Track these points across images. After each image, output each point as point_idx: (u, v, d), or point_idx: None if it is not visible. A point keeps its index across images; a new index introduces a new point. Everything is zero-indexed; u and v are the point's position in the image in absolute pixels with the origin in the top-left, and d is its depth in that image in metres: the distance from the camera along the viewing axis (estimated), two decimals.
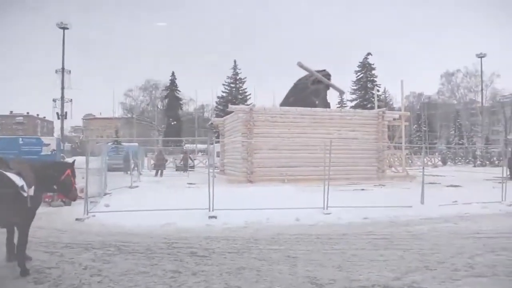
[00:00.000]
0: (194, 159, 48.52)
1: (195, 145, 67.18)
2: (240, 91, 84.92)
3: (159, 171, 35.35)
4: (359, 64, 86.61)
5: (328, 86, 32.41)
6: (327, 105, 32.23)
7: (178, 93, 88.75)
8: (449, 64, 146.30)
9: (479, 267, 9.42)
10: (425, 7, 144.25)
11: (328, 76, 32.06)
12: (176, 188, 23.75)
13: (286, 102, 32.31)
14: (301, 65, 31.74)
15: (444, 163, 61.11)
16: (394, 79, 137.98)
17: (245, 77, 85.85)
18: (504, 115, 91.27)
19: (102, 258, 10.07)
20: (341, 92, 37.34)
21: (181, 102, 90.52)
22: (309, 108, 29.26)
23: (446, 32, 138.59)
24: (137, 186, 25.22)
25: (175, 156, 50.33)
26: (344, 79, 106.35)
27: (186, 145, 65.33)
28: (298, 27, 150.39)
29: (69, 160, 13.38)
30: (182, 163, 41.12)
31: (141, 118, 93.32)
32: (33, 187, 8.70)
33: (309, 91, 31.34)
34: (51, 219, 14.79)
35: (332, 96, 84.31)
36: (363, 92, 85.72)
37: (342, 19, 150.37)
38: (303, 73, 32.73)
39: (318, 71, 32.06)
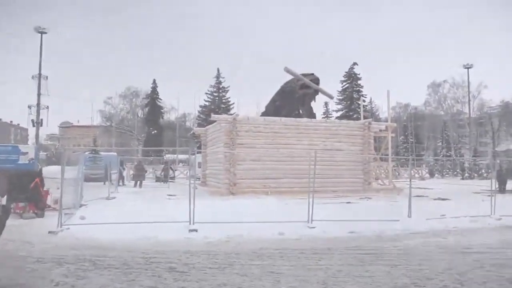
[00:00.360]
0: (175, 170, 48.04)
1: (176, 155, 66.70)
2: (223, 100, 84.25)
3: (139, 182, 34.99)
4: (345, 74, 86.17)
5: (316, 91, 31.95)
6: (312, 115, 31.96)
7: (159, 102, 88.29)
8: (435, 75, 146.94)
9: (468, 284, 9.31)
10: (411, 17, 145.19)
11: (316, 80, 31.63)
12: (156, 199, 23.51)
13: (271, 105, 32.38)
14: (288, 70, 31.31)
15: (432, 175, 61.05)
16: (380, 90, 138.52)
17: (228, 86, 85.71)
18: (492, 127, 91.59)
19: (75, 274, 9.82)
20: (330, 97, 36.96)
21: (162, 110, 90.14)
22: (293, 119, 28.99)
23: (432, 42, 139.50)
24: (114, 198, 24.96)
25: (155, 167, 49.85)
26: (329, 88, 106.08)
27: (167, 155, 64.77)
28: (283, 36, 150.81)
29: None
30: (162, 173, 40.78)
31: (120, 127, 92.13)
32: (5, 196, 8.46)
33: (296, 96, 30.97)
34: (22, 232, 14.42)
35: (317, 106, 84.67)
36: (348, 102, 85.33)
37: (328, 29, 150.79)
38: (289, 78, 32.39)
39: (306, 75, 31.61)
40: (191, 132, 62.59)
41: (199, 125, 71.50)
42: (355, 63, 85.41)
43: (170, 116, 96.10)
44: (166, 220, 14.93)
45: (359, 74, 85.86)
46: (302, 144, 27.42)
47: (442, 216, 17.83)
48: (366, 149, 28.77)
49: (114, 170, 35.88)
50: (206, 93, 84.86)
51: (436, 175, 62.17)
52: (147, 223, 14.67)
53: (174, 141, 78.86)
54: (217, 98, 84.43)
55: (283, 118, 28.51)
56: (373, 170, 30.28)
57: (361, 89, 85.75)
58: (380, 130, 31.32)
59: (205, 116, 75.32)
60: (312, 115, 31.85)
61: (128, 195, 26.82)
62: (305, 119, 29.45)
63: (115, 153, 47.01)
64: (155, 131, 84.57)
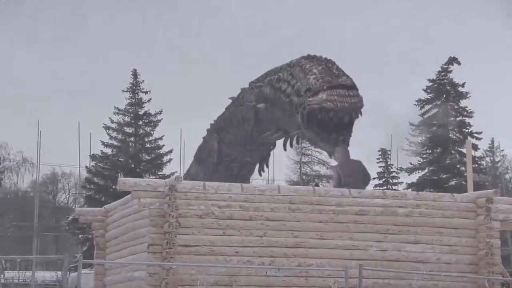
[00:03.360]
0: None
1: (31, 272, 50.16)
2: (148, 141, 51.17)
3: None
4: (431, 82, 51.91)
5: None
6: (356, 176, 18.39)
7: None
8: None
9: None
10: None
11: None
12: None
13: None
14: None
15: None
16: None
17: (160, 110, 50.94)
18: None
19: None
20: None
21: (0, 168, 66.68)
22: (308, 188, 18.06)
23: None
24: None
25: None
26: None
27: (7, 274, 49.58)
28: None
29: None
30: None
31: None
32: None
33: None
34: None
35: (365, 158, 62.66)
36: (438, 149, 51.48)
37: None
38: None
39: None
40: (69, 218, 41.29)
41: (89, 201, 45.91)
42: (454, 59, 51.55)
43: (18, 180, 78.45)
44: None
45: (462, 86, 51.70)
46: (327, 247, 16.76)
47: None
48: (484, 262, 16.75)
49: None
50: (107, 127, 49.90)
51: None
52: None
53: (26, 240, 59.25)
54: (132, 136, 50.76)
55: (287, 186, 21.14)
56: None
57: (467, 119, 51.50)
58: None
59: (103, 180, 47.94)
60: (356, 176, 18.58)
61: None
62: (336, 190, 17.51)
63: None
64: None
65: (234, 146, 19.61)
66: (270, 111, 18.08)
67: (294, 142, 19.78)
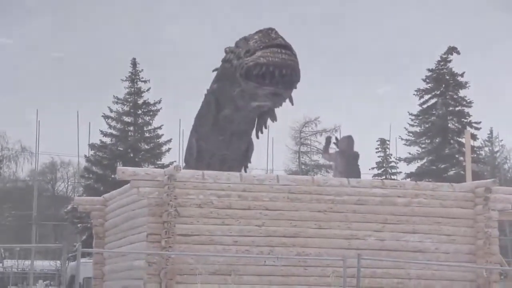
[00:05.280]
0: None
1: (30, 261, 50.80)
2: (147, 130, 51.21)
3: None
4: (430, 72, 51.91)
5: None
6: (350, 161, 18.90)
7: None
8: None
9: None
10: None
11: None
12: None
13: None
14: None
15: None
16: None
17: (159, 99, 50.85)
18: None
19: None
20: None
21: None
22: (307, 177, 20.33)
23: None
24: None
25: None
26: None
27: (5, 262, 50.83)
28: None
29: None
30: None
31: None
32: None
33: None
34: None
35: (364, 147, 57.75)
36: (437, 139, 51.44)
37: None
38: None
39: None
40: (68, 207, 42.49)
41: (88, 190, 47.01)
42: (453, 49, 51.52)
43: (17, 170, 78.60)
44: None
45: (461, 76, 51.51)
46: (325, 237, 16.74)
47: None
48: (482, 252, 16.62)
49: None
50: (106, 117, 50.32)
51: None
52: None
53: (25, 229, 60.58)
54: (131, 126, 51.16)
55: (285, 176, 21.53)
56: None
57: (466, 108, 51.53)
58: None
59: (102, 169, 47.52)
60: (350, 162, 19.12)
61: None
62: (336, 179, 18.03)
63: None
64: None
65: (209, 140, 19.28)
66: (222, 87, 18.22)
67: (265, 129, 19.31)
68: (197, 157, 19.54)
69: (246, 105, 17.54)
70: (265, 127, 19.26)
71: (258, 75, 16.12)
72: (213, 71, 19.10)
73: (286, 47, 16.72)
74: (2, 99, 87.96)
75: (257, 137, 19.13)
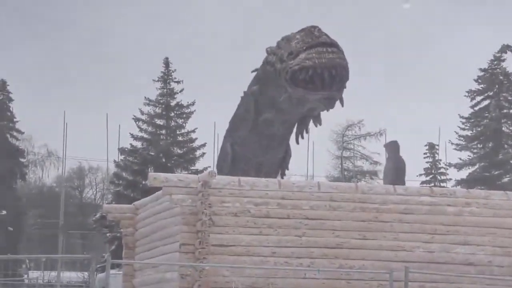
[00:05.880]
0: None
1: (56, 272, 51.45)
2: (180, 134, 51.72)
3: None
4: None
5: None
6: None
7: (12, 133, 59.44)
8: None
9: None
10: None
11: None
12: None
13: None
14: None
15: None
16: None
17: (193, 101, 51.34)
18: None
19: None
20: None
21: (23, 162, 62.17)
22: (351, 184, 19.85)
23: None
24: None
25: None
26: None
27: (31, 274, 50.23)
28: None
29: None
30: None
31: None
32: None
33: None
34: None
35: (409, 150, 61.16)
36: (490, 143, 51.44)
37: None
38: None
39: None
40: (96, 215, 40.54)
41: (117, 197, 47.02)
42: (507, 47, 51.26)
43: (43, 175, 75.98)
44: None
45: None
46: (370, 248, 16.80)
47: None
48: None
49: None
50: (137, 119, 50.77)
51: None
52: None
53: (50, 238, 57.27)
54: (163, 129, 51.65)
55: (327, 183, 22.38)
56: None
57: None
58: None
59: (133, 175, 47.70)
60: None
61: None
62: (382, 186, 18.62)
63: None
64: (4, 212, 54.44)
65: (245, 145, 19.51)
66: (264, 90, 18.28)
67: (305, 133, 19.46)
68: (231, 163, 19.78)
69: (292, 110, 17.71)
70: (307, 132, 19.44)
71: (306, 80, 16.08)
72: (252, 72, 19.17)
73: (332, 44, 16.55)
74: (28, 100, 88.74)
75: (297, 142, 19.26)
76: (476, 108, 51.57)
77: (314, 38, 16.84)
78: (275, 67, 16.95)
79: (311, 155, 53.06)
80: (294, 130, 19.38)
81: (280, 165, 20.41)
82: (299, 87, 16.16)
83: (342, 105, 17.87)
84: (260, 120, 18.41)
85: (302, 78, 15.97)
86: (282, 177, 20.46)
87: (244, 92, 19.67)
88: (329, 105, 17.36)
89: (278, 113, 17.82)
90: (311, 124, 18.94)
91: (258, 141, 19.06)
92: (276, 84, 17.09)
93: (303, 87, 16.15)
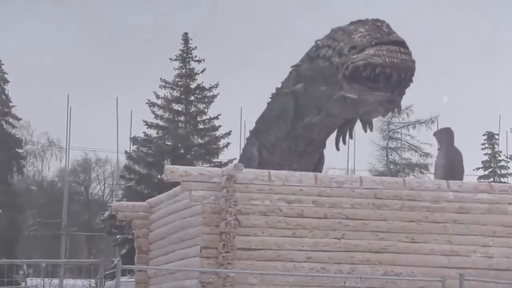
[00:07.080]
0: None
1: (58, 280, 50.66)
2: (202, 121, 51.58)
3: None
4: None
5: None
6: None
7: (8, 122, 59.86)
8: None
9: None
10: None
11: None
12: None
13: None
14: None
15: None
16: None
17: (217, 83, 51.14)
18: None
19: None
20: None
21: (21, 153, 62.58)
22: (398, 179, 19.51)
23: None
24: None
25: None
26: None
27: (29, 281, 50.74)
28: None
29: None
30: None
31: None
32: None
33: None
34: None
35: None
36: None
37: None
38: None
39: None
40: (104, 214, 42.15)
41: (129, 194, 47.70)
42: None
43: (43, 168, 75.96)
44: None
45: None
46: (419, 252, 16.94)
47: None
48: None
49: None
50: (151, 104, 50.97)
51: None
52: None
53: (52, 241, 58.53)
54: (182, 115, 51.57)
55: (371, 178, 22.14)
56: None
57: None
58: None
59: (146, 169, 48.66)
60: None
61: None
62: (434, 181, 18.46)
63: None
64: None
65: (276, 149, 19.72)
66: (310, 89, 18.35)
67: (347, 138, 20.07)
68: (258, 169, 19.96)
69: (343, 113, 18.07)
70: (351, 137, 19.79)
71: (369, 78, 16.26)
72: (292, 67, 19.19)
73: (404, 45, 16.87)
74: (26, 82, 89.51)
75: (337, 148, 19.64)
76: None
77: (383, 34, 17.13)
78: (331, 61, 17.03)
79: (352, 145, 52.83)
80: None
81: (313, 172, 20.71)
82: (357, 84, 16.45)
83: (399, 112, 18.29)
84: (300, 123, 18.58)
85: (365, 75, 16.20)
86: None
87: (277, 90, 19.78)
88: (389, 109, 17.72)
89: (324, 116, 18.01)
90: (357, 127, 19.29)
91: (293, 146, 19.28)
92: (328, 82, 17.25)
93: (363, 85, 16.42)
